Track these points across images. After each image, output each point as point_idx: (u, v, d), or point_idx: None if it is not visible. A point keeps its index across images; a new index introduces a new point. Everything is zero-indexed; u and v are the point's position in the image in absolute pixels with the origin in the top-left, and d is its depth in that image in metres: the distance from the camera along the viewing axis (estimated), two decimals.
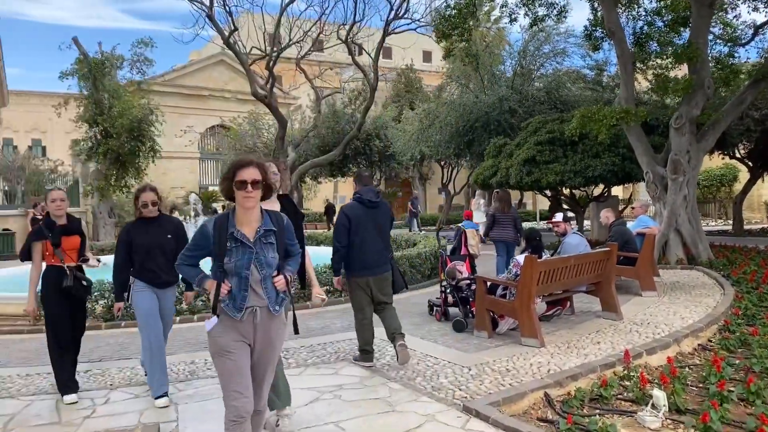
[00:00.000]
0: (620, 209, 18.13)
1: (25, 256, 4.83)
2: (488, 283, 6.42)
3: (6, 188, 24.61)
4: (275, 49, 19.68)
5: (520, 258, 6.21)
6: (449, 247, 8.35)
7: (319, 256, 13.83)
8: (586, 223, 16.55)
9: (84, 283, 4.78)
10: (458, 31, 14.07)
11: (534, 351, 5.65)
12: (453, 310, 7.13)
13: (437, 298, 7.35)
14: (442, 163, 27.57)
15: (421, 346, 5.99)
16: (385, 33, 18.63)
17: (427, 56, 44.63)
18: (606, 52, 18.68)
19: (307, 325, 7.07)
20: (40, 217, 19.64)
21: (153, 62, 24.94)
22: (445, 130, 19.52)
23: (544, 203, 24.49)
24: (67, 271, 4.62)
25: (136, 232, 4.70)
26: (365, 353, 5.39)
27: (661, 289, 8.65)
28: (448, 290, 7.06)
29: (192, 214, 18.25)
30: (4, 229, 18.69)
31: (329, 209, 29.00)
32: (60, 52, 23.92)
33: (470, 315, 6.65)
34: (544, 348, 5.73)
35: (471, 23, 14.50)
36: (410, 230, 21.58)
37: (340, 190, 36.23)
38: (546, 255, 6.58)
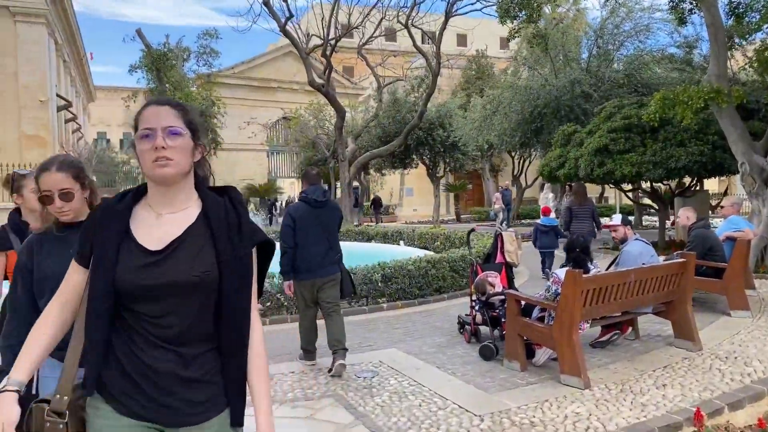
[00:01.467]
0: (712, 205, 15.96)
1: None
2: (522, 302, 5.17)
3: (92, 179, 25.26)
4: (333, 36, 18.88)
5: (560, 272, 4.91)
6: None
7: (369, 253, 12.90)
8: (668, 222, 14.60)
9: None
10: (526, 12, 12.71)
11: (575, 394, 4.37)
12: (486, 330, 5.92)
13: (467, 315, 6.15)
14: (513, 153, 25.87)
15: (432, 380, 4.83)
16: (448, 15, 17.36)
17: (504, 43, 42.63)
18: (697, 27, 16.42)
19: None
20: None
21: (218, 54, 24.88)
22: (511, 117, 17.95)
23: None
24: None
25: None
26: (307, 352, 5.38)
27: (756, 308, 6.99)
28: (477, 307, 5.84)
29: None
30: None
31: (376, 202, 27.98)
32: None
33: (503, 338, 5.42)
34: (588, 390, 4.43)
35: (541, 2, 13.08)
36: (500, 225, 20.00)
37: (407, 182, 35.12)
38: (595, 268, 5.23)
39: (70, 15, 29.20)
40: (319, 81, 19.05)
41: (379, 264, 7.96)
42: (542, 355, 5.12)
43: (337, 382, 4.86)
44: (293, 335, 6.25)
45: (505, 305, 5.36)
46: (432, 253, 10.98)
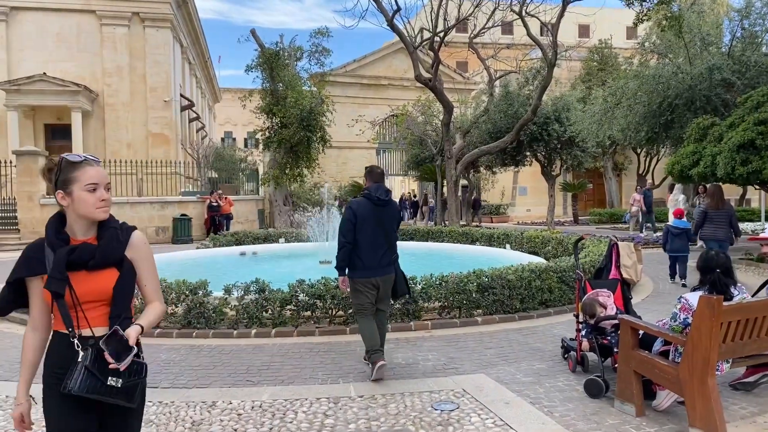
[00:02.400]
0: None
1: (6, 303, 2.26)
2: (640, 331, 4.18)
3: (212, 175, 26.44)
4: (441, 29, 18.14)
5: (692, 297, 3.88)
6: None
7: (471, 257, 12.11)
8: None
9: (121, 378, 2.13)
10: None
11: None
12: (595, 358, 4.96)
13: (572, 339, 5.21)
14: (638, 150, 23.67)
15: (523, 420, 4.00)
16: (565, 2, 16.01)
17: (630, 32, 39.59)
18: None
19: (390, 357, 5.46)
20: (215, 203, 20.74)
21: (330, 52, 24.95)
22: (636, 109, 16.19)
23: None
24: (80, 350, 2.11)
25: None
26: (375, 352, 4.99)
27: None
28: (584, 331, 4.90)
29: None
30: (182, 215, 19.82)
31: (475, 202, 26.71)
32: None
33: (615, 371, 4.47)
34: None
35: None
36: (642, 230, 18.26)
37: (520, 180, 33.54)
38: (741, 294, 4.10)
39: (195, 19, 30.75)
40: (426, 75, 18.41)
41: (474, 272, 7.16)
42: (666, 398, 4.11)
43: (409, 413, 4.17)
44: (340, 350, 5.68)
45: (619, 332, 4.39)
46: (540, 259, 9.96)
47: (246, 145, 49.64)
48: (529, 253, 11.82)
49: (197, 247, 14.77)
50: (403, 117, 25.04)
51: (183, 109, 28.96)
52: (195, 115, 32.97)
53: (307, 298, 6.61)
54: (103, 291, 2.17)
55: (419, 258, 13.01)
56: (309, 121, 21.56)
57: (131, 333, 2.11)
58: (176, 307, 6.77)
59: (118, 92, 24.98)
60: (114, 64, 24.80)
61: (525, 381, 4.84)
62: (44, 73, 22.98)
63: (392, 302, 6.46)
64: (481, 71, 33.27)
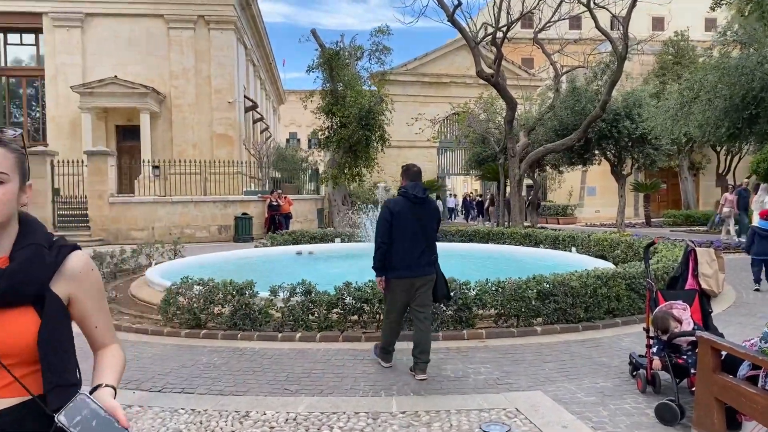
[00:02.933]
0: None
1: None
2: (723, 353, 3.62)
3: (275, 175, 26.74)
4: (504, 23, 17.52)
5: None
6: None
7: (536, 260, 11.55)
8: None
9: None
10: None
11: None
12: (668, 377, 4.40)
13: (641, 356, 4.66)
14: (718, 147, 22.14)
15: None
16: None
17: (709, 24, 37.38)
18: None
19: (438, 368, 5.08)
20: (275, 203, 20.88)
21: (390, 50, 24.74)
22: (715, 103, 15.00)
23: None
24: None
25: None
26: (386, 352, 5.15)
27: None
28: (655, 348, 4.35)
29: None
30: (243, 213, 20.04)
31: (532, 203, 25.56)
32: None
33: (692, 394, 3.92)
34: None
35: None
36: (730, 234, 17.06)
37: (589, 180, 32.20)
38: None
39: (259, 21, 31.21)
40: (488, 71, 17.84)
41: (534, 278, 6.66)
42: (753, 429, 3.54)
43: None
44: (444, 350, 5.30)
45: (697, 351, 3.84)
46: (608, 264, 9.30)
47: (309, 146, 50.28)
48: (597, 256, 11.10)
49: (255, 246, 14.83)
50: (464, 115, 24.46)
51: (247, 110, 29.45)
52: (259, 116, 33.53)
53: (353, 302, 6.32)
54: (15, 344, 1.38)
55: (476, 261, 12.51)
56: (368, 120, 21.37)
57: (110, 403, 1.41)
58: (223, 307, 6.63)
59: (184, 94, 25.64)
60: (180, 67, 25.47)
61: (587, 401, 4.34)
62: (115, 76, 23.85)
63: (441, 306, 6.14)
64: (546, 67, 32.17)
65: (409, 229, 4.92)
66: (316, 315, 6.41)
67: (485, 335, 6.18)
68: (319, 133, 23.34)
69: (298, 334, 6.22)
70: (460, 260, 12.54)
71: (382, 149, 22.76)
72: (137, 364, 5.45)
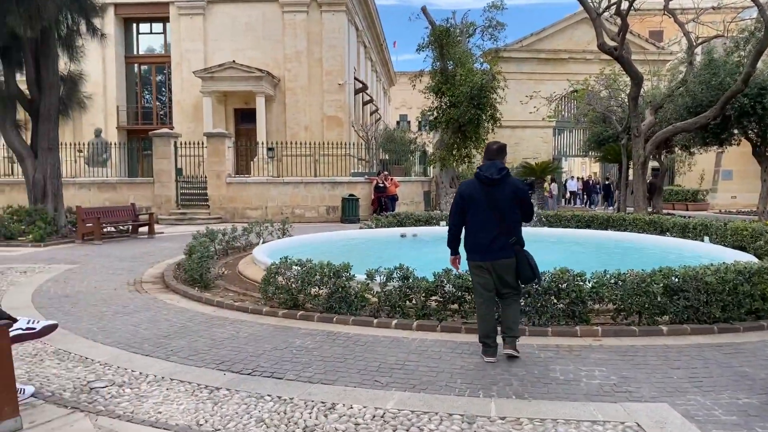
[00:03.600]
0: None
1: None
2: None
3: (384, 157, 26.76)
4: None
5: None
6: None
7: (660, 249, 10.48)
8: None
9: None
10: None
11: None
12: None
13: None
14: None
15: None
16: None
17: None
18: None
19: (545, 369, 4.55)
20: (382, 184, 20.76)
21: (504, 26, 23.70)
22: None
23: None
24: None
25: None
26: (486, 346, 4.82)
27: None
28: None
29: None
30: (350, 195, 20.14)
31: (652, 186, 23.22)
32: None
33: None
34: None
35: None
36: None
37: (724, 163, 29.21)
38: None
39: (370, 3, 31.16)
40: (611, 44, 16.44)
41: (660, 270, 5.86)
42: None
43: None
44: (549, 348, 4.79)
45: None
46: (749, 257, 8.15)
47: (419, 128, 50.00)
48: (734, 248, 9.83)
49: (360, 227, 14.79)
50: (583, 92, 22.92)
51: (356, 92, 29.61)
52: (368, 98, 33.64)
53: (453, 290, 5.88)
54: None
55: (593, 249, 11.57)
56: (479, 99, 20.62)
57: None
58: (319, 289, 6.46)
59: (297, 77, 26.20)
60: (293, 50, 26.02)
61: (726, 420, 3.64)
62: (233, 61, 24.82)
63: (551, 298, 5.58)
64: (678, 39, 29.43)
65: (481, 212, 4.77)
66: (413, 302, 6.05)
67: (601, 333, 5.51)
68: (428, 113, 22.89)
69: (394, 321, 5.90)
70: (575, 248, 11.66)
71: (492, 129, 21.93)
72: (232, 343, 5.39)
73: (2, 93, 14.74)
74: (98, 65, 27.20)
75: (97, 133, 23.22)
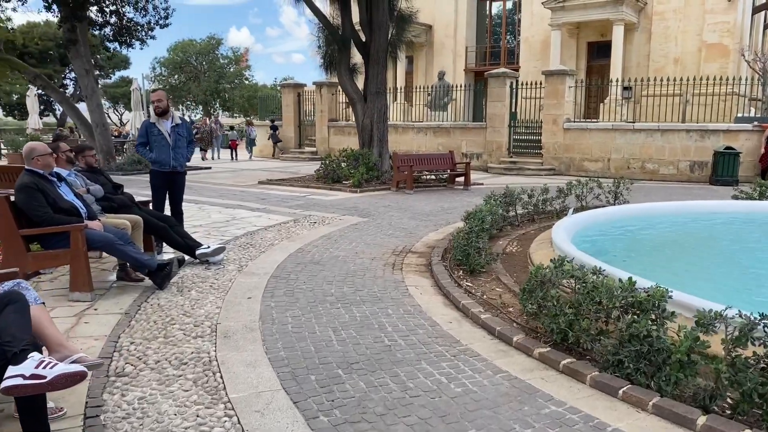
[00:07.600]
0: None
1: None
2: None
3: None
4: None
5: None
6: None
7: None
8: None
9: None
10: None
11: None
12: None
13: None
14: None
15: None
16: None
17: None
18: None
19: None
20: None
21: None
22: None
23: None
24: None
25: None
26: None
27: None
28: None
29: None
30: (727, 147, 15.10)
31: None
32: None
33: None
34: None
35: None
36: None
37: None
38: None
39: None
40: None
41: None
42: None
43: None
44: None
45: None
46: None
47: None
48: None
49: (733, 196, 10.27)
50: None
51: (756, 10, 22.56)
52: None
53: None
54: None
55: None
56: None
57: None
58: (606, 325, 3.69)
59: None
60: None
61: None
62: None
63: None
64: None
65: None
66: None
67: None
68: None
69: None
70: None
71: None
72: (447, 420, 3.18)
73: (338, 36, 14.89)
74: (450, 5, 26.78)
75: (441, 75, 22.83)
